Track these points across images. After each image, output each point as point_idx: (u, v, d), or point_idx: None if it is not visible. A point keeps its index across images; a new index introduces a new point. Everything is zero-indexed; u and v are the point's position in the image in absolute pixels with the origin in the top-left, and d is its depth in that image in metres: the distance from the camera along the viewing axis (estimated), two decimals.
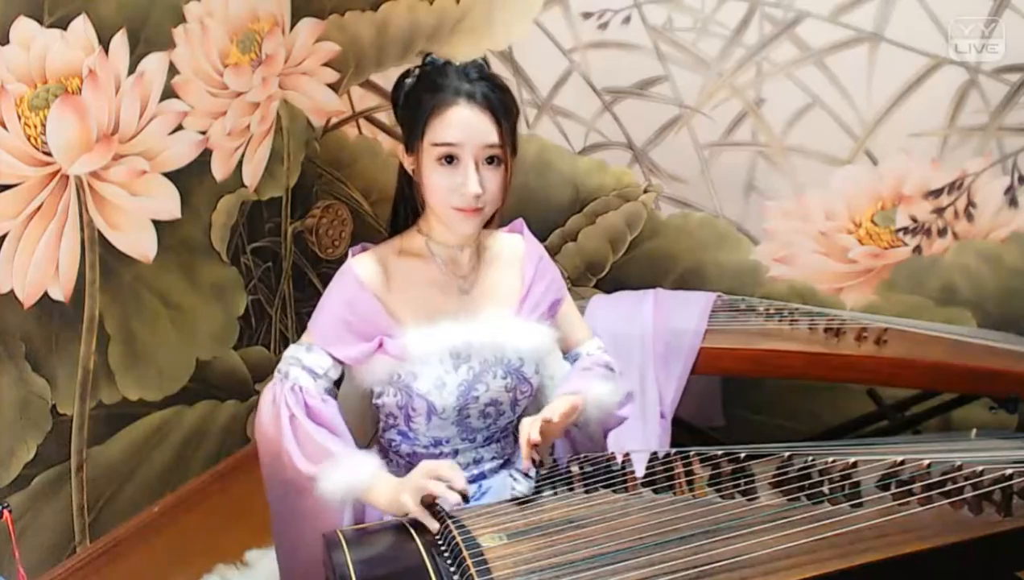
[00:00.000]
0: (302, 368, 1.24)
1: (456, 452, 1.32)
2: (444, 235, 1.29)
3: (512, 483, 1.34)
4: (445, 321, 1.26)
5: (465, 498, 1.09)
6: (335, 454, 1.17)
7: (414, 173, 1.26)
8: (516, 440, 1.43)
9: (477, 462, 1.34)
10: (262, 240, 2.46)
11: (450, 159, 1.19)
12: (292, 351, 1.27)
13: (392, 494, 1.13)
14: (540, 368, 1.36)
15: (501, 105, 1.21)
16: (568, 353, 1.44)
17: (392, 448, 1.35)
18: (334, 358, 1.25)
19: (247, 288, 2.41)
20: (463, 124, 1.18)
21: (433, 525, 1.07)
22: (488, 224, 1.30)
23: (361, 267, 1.26)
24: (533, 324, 1.32)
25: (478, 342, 1.26)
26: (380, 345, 1.24)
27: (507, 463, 1.38)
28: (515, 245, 1.39)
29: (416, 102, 1.22)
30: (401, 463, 1.34)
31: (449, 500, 1.07)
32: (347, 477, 1.15)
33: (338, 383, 1.32)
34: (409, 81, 1.26)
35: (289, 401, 1.21)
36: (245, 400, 2.45)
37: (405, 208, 1.34)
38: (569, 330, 1.43)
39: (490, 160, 1.21)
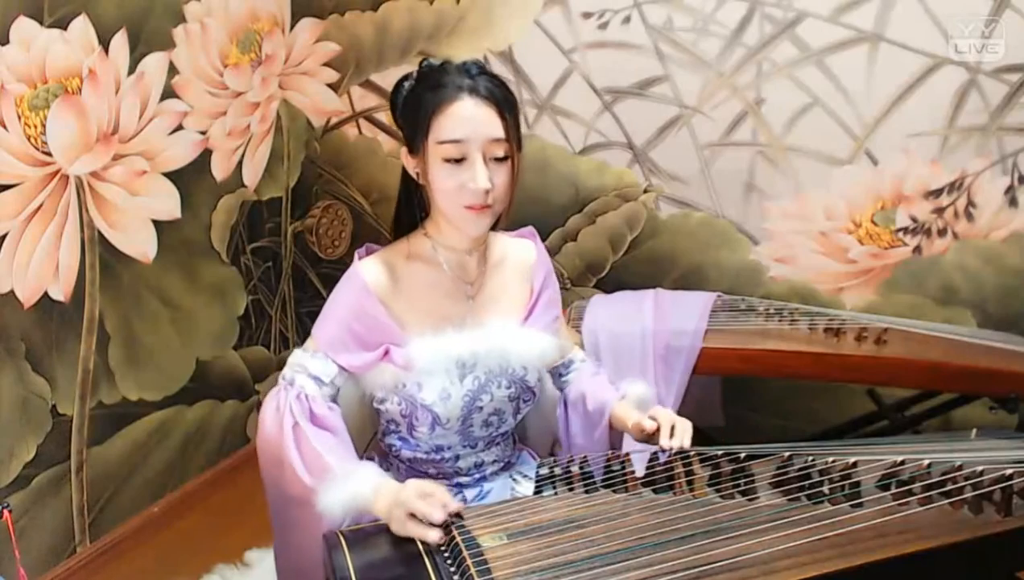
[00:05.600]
0: (308, 375, 1.22)
1: (457, 458, 1.32)
2: (452, 239, 1.27)
3: (513, 485, 1.34)
4: (451, 329, 1.24)
5: (447, 527, 1.04)
6: (334, 469, 1.14)
7: (419, 176, 1.23)
8: (515, 443, 1.43)
9: (479, 466, 1.34)
10: (262, 240, 2.46)
11: (457, 159, 1.17)
12: (297, 358, 1.25)
13: (388, 510, 1.08)
14: (543, 376, 1.35)
15: (504, 98, 1.19)
16: (561, 361, 1.42)
17: (392, 453, 1.34)
18: (340, 366, 1.23)
19: (247, 288, 2.41)
20: (468, 119, 1.16)
21: (432, 537, 1.03)
22: (493, 226, 1.27)
23: (369, 272, 1.23)
24: (538, 333, 1.30)
25: (484, 351, 1.25)
26: (386, 353, 1.22)
27: (507, 466, 1.38)
28: (525, 251, 1.37)
29: (417, 102, 1.20)
30: (402, 468, 1.34)
31: (432, 517, 1.03)
32: (347, 494, 1.11)
33: None
34: (408, 84, 1.23)
35: (294, 409, 1.19)
36: (245, 400, 2.45)
37: (409, 212, 1.31)
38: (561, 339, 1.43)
39: (496, 156, 1.18)
